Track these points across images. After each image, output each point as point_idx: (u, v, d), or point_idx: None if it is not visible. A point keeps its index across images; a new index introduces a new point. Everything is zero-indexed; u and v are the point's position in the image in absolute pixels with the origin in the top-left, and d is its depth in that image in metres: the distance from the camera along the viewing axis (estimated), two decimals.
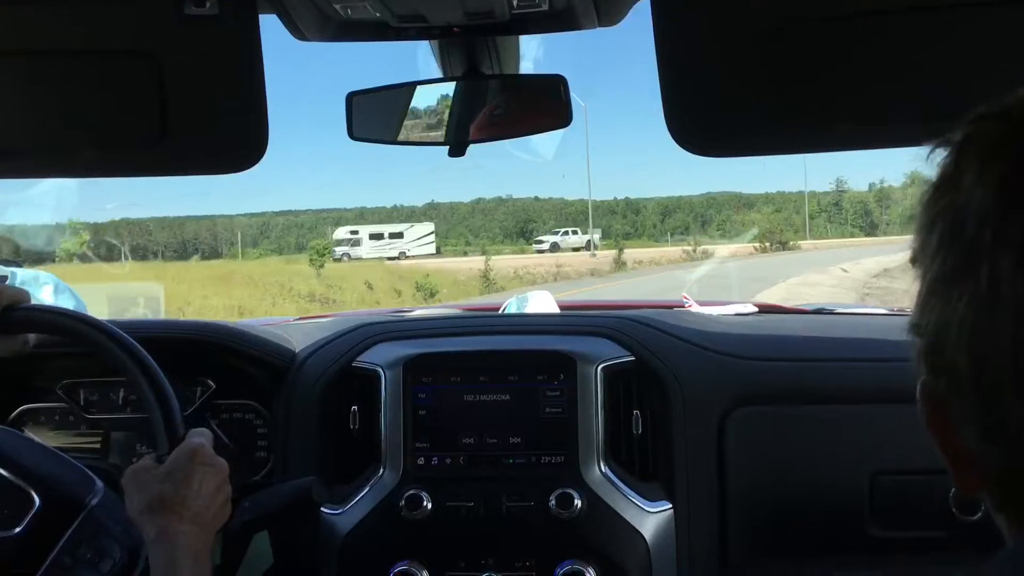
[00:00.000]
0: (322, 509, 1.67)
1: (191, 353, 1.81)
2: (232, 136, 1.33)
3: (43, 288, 1.97)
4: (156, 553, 1.20)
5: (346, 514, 1.66)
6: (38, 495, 1.30)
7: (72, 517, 1.31)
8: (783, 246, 46.38)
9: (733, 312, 2.18)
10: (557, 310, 2.12)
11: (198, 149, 1.35)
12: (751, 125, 1.26)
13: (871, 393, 1.66)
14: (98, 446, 1.85)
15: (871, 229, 78.25)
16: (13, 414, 1.87)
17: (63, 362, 1.82)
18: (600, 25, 1.36)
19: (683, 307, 2.27)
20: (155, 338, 1.78)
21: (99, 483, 1.38)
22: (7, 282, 1.98)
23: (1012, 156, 0.58)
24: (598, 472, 1.63)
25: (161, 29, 1.22)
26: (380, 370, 1.70)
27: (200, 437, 1.31)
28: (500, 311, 2.16)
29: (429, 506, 1.62)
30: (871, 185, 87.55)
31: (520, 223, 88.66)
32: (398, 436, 1.67)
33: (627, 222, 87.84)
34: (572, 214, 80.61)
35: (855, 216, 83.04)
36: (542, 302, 2.11)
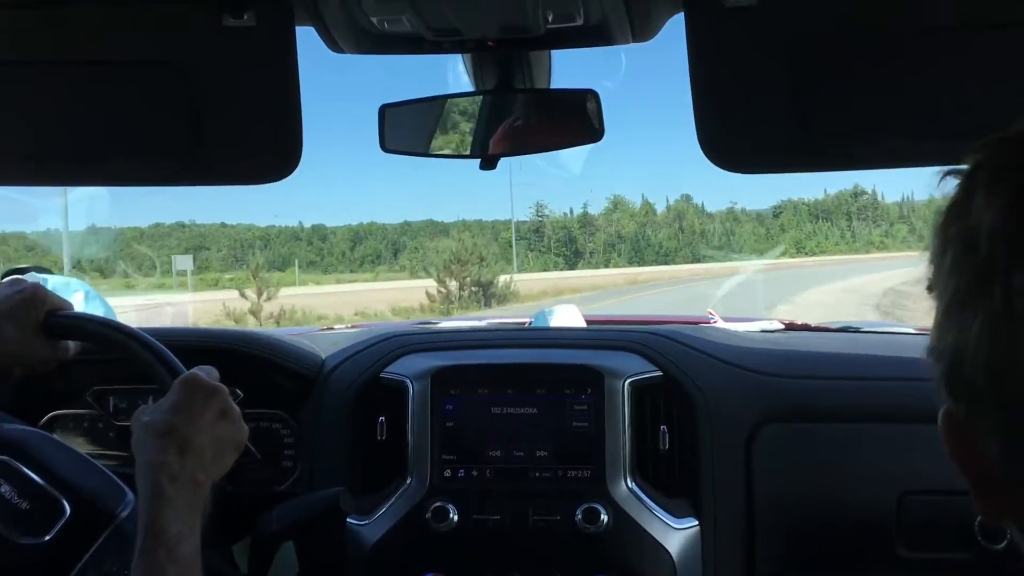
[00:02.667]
0: (348, 520, 1.67)
1: (220, 362, 1.81)
2: (266, 147, 1.34)
3: (74, 295, 1.99)
4: (140, 483, 1.15)
5: (372, 525, 1.66)
6: (69, 504, 1.30)
7: (100, 529, 1.30)
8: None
9: (759, 329, 2.17)
10: (583, 324, 2.12)
11: (232, 160, 1.36)
12: (784, 142, 1.26)
13: (899, 412, 1.65)
14: (126, 454, 1.85)
15: (574, 258, 75.83)
16: (43, 420, 1.88)
17: (93, 369, 1.84)
18: (634, 40, 1.37)
19: (709, 323, 2.27)
20: (185, 346, 1.79)
21: (130, 494, 1.38)
22: None
23: (1021, 176, 0.58)
24: (625, 487, 1.63)
25: (199, 40, 1.23)
26: (408, 381, 1.70)
27: (199, 370, 1.26)
28: (527, 325, 2.16)
29: (456, 519, 1.62)
30: (572, 210, 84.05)
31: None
32: (425, 448, 1.67)
33: (312, 249, 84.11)
34: (250, 239, 76.12)
35: (558, 244, 79.37)
36: (568, 316, 2.11)
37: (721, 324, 2.26)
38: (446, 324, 2.39)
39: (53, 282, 2.01)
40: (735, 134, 1.27)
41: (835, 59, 1.20)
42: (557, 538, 1.61)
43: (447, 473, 1.67)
